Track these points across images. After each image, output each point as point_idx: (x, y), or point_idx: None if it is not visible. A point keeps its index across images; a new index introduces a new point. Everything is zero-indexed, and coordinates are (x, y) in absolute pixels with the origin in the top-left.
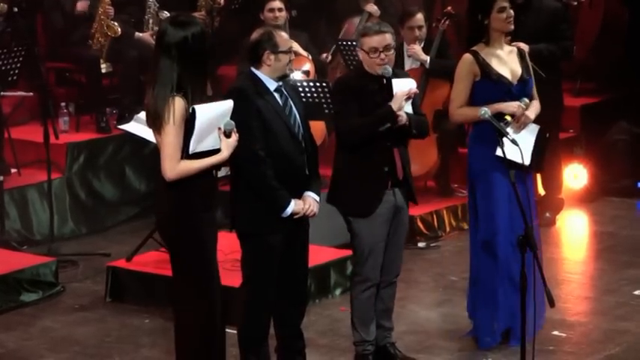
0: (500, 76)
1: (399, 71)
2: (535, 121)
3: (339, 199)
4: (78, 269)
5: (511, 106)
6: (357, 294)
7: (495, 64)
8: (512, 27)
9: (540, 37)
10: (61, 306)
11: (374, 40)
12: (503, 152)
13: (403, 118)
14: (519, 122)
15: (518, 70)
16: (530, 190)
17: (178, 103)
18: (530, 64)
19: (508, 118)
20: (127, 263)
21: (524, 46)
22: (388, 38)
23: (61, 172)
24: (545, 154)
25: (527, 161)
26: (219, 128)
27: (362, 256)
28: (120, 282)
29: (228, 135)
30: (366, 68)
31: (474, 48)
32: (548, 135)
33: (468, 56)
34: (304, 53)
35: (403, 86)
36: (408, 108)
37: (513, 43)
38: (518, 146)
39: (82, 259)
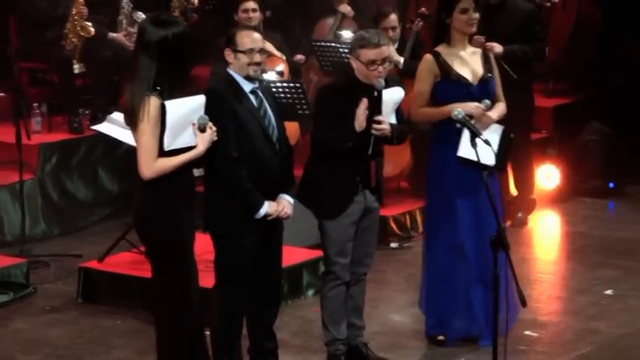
0: (460, 77)
1: (391, 77)
2: (506, 122)
3: (309, 198)
4: (49, 270)
5: (469, 107)
6: (326, 292)
7: (456, 65)
8: (474, 29)
9: (514, 38)
10: (33, 307)
11: (372, 53)
12: (477, 152)
13: (386, 131)
14: (481, 123)
15: (480, 71)
16: (495, 191)
17: (154, 102)
18: (494, 65)
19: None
20: (99, 264)
21: (499, 47)
22: (385, 51)
23: (34, 172)
24: (509, 155)
25: (490, 161)
26: (194, 124)
27: (331, 255)
28: (92, 283)
29: (202, 130)
30: (359, 77)
31: (437, 48)
32: (512, 135)
33: (428, 56)
34: (278, 54)
35: (392, 95)
36: (393, 118)
37: (487, 44)
38: (491, 146)
39: (54, 260)
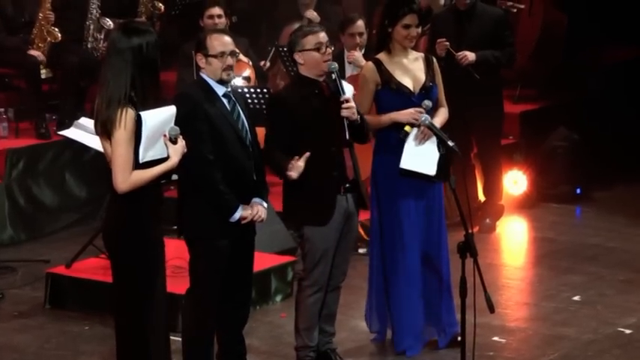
0: (400, 85)
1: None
2: (475, 128)
3: (294, 210)
4: (17, 276)
5: (403, 114)
6: (304, 298)
7: (398, 73)
8: (412, 45)
9: (484, 44)
10: (0, 313)
11: (318, 37)
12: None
13: (354, 109)
14: (423, 134)
15: (422, 78)
16: (439, 201)
17: (130, 113)
18: (437, 70)
19: (407, 129)
20: (67, 270)
21: (472, 55)
22: (325, 36)
23: (0, 178)
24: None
25: (432, 172)
26: (165, 135)
27: (313, 261)
28: (59, 288)
29: (174, 141)
30: (309, 72)
31: (378, 56)
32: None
33: (369, 64)
34: (245, 59)
35: (345, 86)
36: None
37: (459, 54)
38: (457, 152)
39: (21, 265)
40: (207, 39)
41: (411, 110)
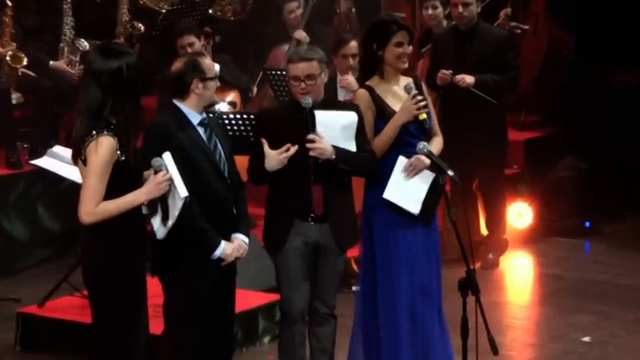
0: (395, 114)
1: (339, 102)
2: (475, 157)
3: (264, 234)
4: None
5: (403, 112)
6: (280, 333)
7: (390, 101)
8: (406, 66)
9: (485, 66)
10: None
11: (297, 69)
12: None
13: (323, 150)
14: (412, 167)
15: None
16: (434, 241)
17: (107, 142)
18: (427, 95)
19: (423, 116)
20: (39, 309)
21: (470, 78)
22: (310, 67)
23: None
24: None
25: (415, 210)
26: (151, 165)
27: (282, 291)
28: (31, 329)
29: (157, 172)
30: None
31: (369, 83)
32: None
33: (363, 92)
34: None
35: (338, 118)
36: (342, 142)
37: (457, 77)
38: (458, 182)
39: None
40: (202, 62)
41: (407, 104)
